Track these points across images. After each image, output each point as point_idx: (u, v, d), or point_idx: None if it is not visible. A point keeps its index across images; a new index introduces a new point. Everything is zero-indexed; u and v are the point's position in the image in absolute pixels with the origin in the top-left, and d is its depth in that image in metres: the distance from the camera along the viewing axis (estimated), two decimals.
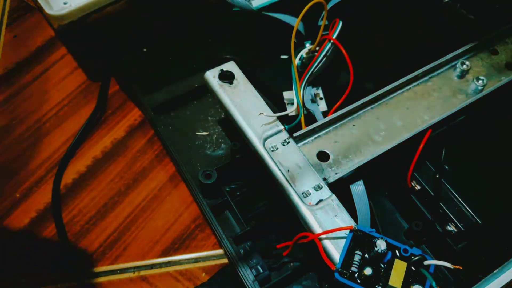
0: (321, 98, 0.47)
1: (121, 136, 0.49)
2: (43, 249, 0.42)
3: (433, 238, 0.39)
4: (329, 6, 0.49)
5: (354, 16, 0.50)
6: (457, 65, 0.44)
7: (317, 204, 0.36)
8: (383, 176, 0.43)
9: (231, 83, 0.42)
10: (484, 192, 0.39)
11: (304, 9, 0.42)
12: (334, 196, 0.36)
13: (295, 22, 0.43)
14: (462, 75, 0.44)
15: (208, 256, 0.42)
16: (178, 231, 0.43)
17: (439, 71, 0.45)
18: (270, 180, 0.38)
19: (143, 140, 0.49)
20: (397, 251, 0.32)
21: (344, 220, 0.35)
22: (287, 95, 0.47)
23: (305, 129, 0.40)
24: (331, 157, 0.39)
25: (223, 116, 0.48)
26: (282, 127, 0.40)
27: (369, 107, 0.42)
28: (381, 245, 0.32)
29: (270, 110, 0.41)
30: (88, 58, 0.54)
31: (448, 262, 0.31)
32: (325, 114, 0.45)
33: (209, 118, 0.48)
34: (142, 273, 0.41)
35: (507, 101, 0.45)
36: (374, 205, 0.41)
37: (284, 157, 0.38)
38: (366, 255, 0.32)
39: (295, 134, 0.40)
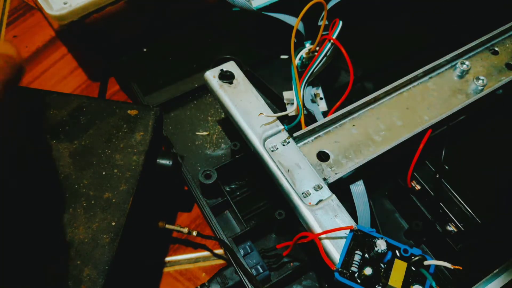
0: (321, 98, 0.47)
1: None
2: None
3: (433, 238, 0.39)
4: (329, 6, 0.49)
5: (354, 16, 0.50)
6: (457, 65, 0.44)
7: (317, 204, 0.36)
8: (383, 176, 0.43)
9: (231, 83, 0.42)
10: (484, 192, 0.39)
11: (304, 9, 0.42)
12: (334, 196, 0.36)
13: (295, 22, 0.43)
14: (462, 75, 0.44)
15: (208, 256, 0.42)
16: None
17: (439, 71, 0.45)
18: (270, 180, 0.38)
19: None
20: (397, 251, 0.32)
21: (344, 220, 0.35)
22: (287, 95, 0.47)
23: (305, 129, 0.40)
24: (331, 157, 0.39)
25: (223, 116, 0.48)
26: (282, 127, 0.40)
27: (369, 107, 0.42)
28: (381, 245, 0.32)
29: (270, 110, 0.41)
30: (88, 58, 0.54)
31: (448, 262, 0.31)
32: (325, 114, 0.45)
33: (209, 118, 0.48)
34: None
35: (507, 101, 0.45)
36: (374, 205, 0.41)
37: (284, 157, 0.38)
38: (366, 255, 0.32)
39: (295, 134, 0.40)
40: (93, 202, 0.35)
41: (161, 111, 0.40)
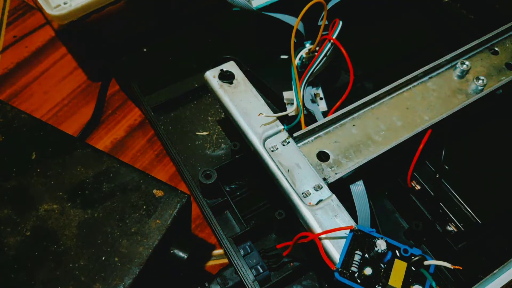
0: (321, 98, 0.47)
1: (121, 136, 0.49)
2: None
3: (433, 238, 0.39)
4: (329, 6, 0.49)
5: (354, 16, 0.50)
6: (457, 65, 0.44)
7: (317, 204, 0.36)
8: (383, 176, 0.43)
9: (231, 83, 0.42)
10: (484, 192, 0.39)
11: (304, 9, 0.42)
12: (334, 196, 0.36)
13: (295, 22, 0.43)
14: (462, 75, 0.44)
15: (208, 256, 0.42)
16: None
17: (439, 71, 0.45)
18: (270, 180, 0.38)
19: (143, 140, 0.49)
20: (397, 251, 0.32)
21: (344, 220, 0.35)
22: (287, 95, 0.47)
23: (305, 129, 0.40)
24: (331, 157, 0.39)
25: (223, 116, 0.48)
26: (282, 127, 0.40)
27: (369, 107, 0.42)
28: (381, 245, 0.32)
29: (270, 110, 0.41)
30: (88, 58, 0.54)
31: (448, 262, 0.31)
32: (325, 114, 0.45)
33: (209, 118, 0.48)
34: None
35: (507, 101, 0.45)
36: (374, 205, 0.41)
37: (284, 157, 0.38)
38: (366, 255, 0.32)
39: (295, 134, 0.40)
40: None
41: (190, 199, 0.36)
